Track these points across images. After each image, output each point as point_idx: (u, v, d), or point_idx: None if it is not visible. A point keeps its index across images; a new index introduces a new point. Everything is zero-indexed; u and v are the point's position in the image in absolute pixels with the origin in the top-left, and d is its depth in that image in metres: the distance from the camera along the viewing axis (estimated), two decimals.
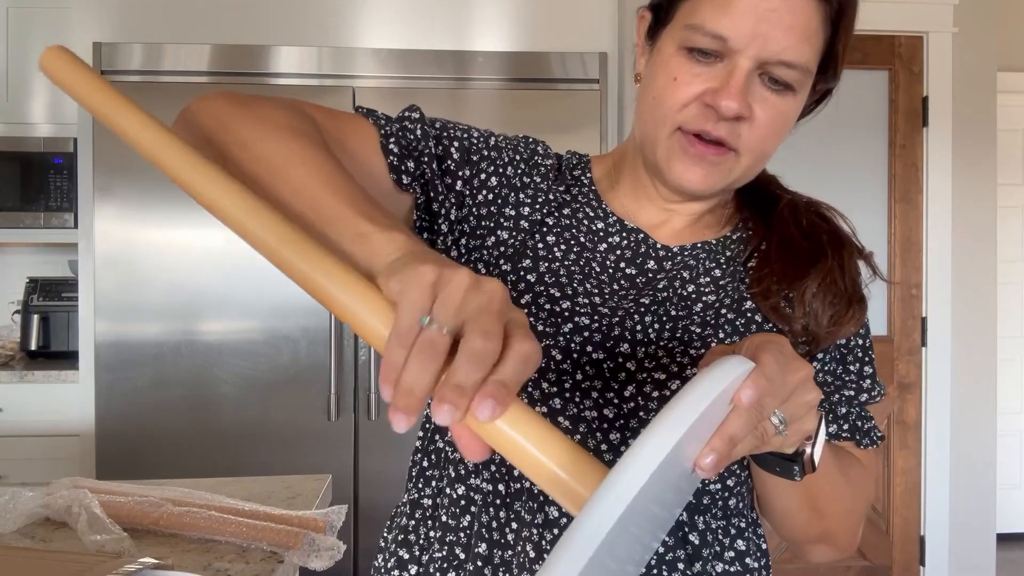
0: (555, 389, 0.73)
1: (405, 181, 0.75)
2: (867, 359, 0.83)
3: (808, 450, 0.60)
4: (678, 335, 0.75)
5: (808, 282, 0.77)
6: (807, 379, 0.54)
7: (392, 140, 0.75)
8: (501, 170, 0.80)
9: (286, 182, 0.57)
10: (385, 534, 0.84)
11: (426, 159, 0.77)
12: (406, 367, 0.42)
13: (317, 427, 2.44)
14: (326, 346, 2.42)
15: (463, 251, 0.80)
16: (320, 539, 1.05)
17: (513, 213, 0.79)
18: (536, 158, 0.83)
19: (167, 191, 2.40)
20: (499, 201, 0.79)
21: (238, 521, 1.05)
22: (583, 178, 0.85)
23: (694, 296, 0.78)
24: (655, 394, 0.72)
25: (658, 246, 0.81)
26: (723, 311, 0.78)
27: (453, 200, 0.78)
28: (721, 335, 0.76)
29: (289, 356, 2.43)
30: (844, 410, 0.82)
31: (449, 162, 0.78)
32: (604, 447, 0.72)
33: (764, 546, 0.82)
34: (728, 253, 0.82)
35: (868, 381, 0.83)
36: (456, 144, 0.79)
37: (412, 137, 0.77)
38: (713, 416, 0.47)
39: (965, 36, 2.99)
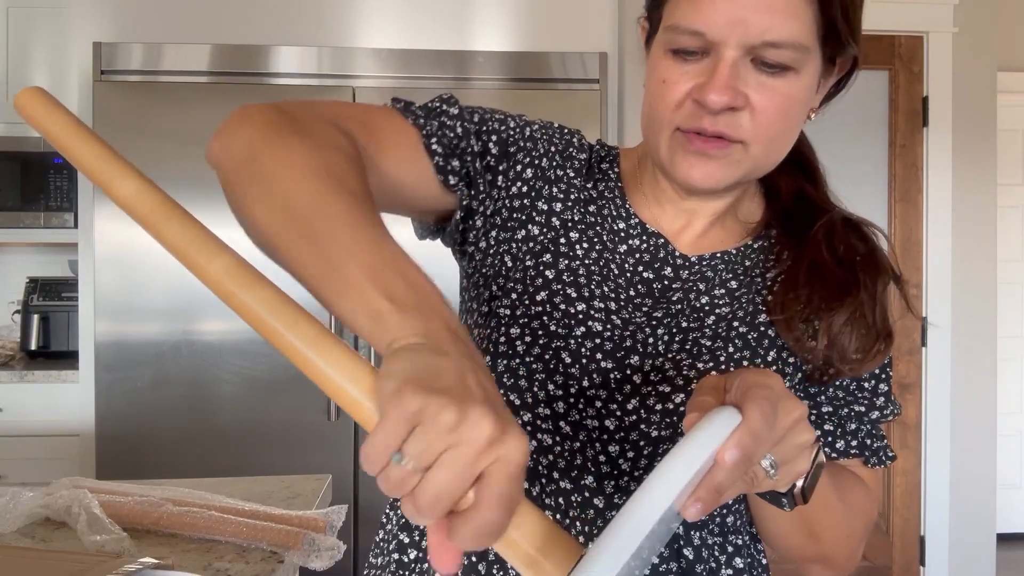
0: (560, 392, 0.72)
1: (452, 181, 0.74)
2: (884, 375, 0.80)
3: (799, 484, 0.59)
4: (687, 347, 0.75)
5: (836, 315, 0.74)
6: (800, 420, 0.55)
7: (435, 140, 0.74)
8: (536, 162, 0.79)
9: (307, 239, 0.54)
10: (388, 511, 0.84)
11: (469, 157, 0.75)
12: (378, 480, 0.41)
13: (317, 427, 2.44)
14: None
15: (492, 243, 0.78)
16: (320, 539, 1.05)
17: (545, 208, 0.78)
18: (571, 150, 0.82)
19: (167, 191, 2.39)
20: (532, 194, 0.78)
21: (238, 521, 1.05)
22: (611, 172, 0.84)
23: (707, 308, 0.77)
24: (658, 407, 0.72)
25: (676, 254, 0.80)
26: (735, 324, 0.76)
27: (491, 195, 0.77)
28: (731, 349, 0.75)
29: None
30: (854, 426, 0.79)
31: (489, 158, 0.77)
32: (602, 458, 0.72)
33: (764, 561, 0.81)
34: (747, 263, 0.80)
35: (882, 399, 0.80)
36: (495, 138, 0.77)
37: (453, 135, 0.75)
38: (702, 467, 0.48)
39: (965, 36, 2.99)
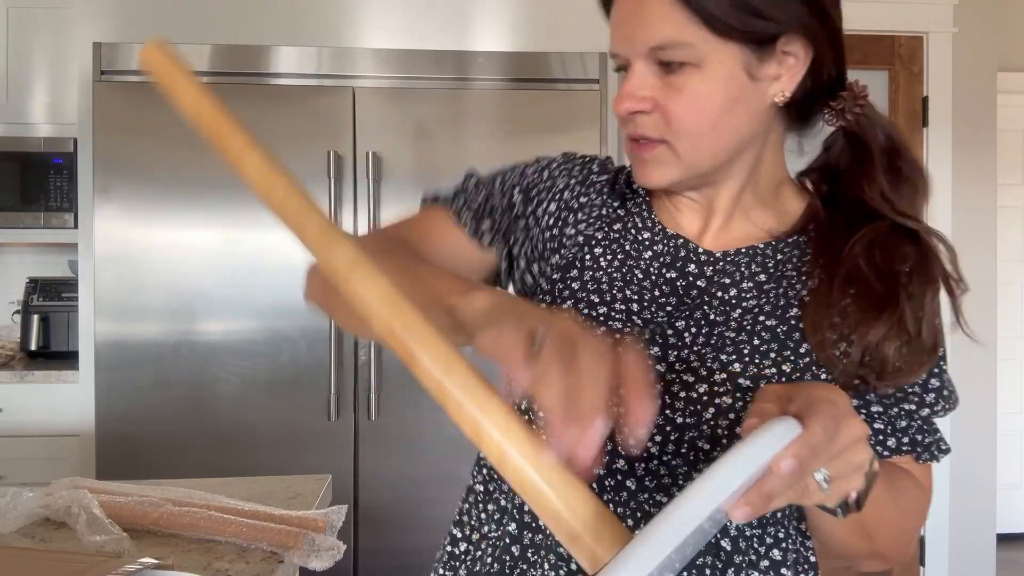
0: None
1: (487, 240, 0.87)
2: (936, 370, 0.80)
3: (853, 495, 0.58)
4: (712, 341, 0.76)
5: (872, 332, 0.73)
6: (859, 440, 0.54)
7: (464, 211, 0.87)
8: (558, 196, 0.87)
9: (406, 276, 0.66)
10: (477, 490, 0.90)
11: (497, 214, 0.87)
12: (553, 389, 0.46)
13: (317, 427, 2.44)
14: (326, 346, 2.42)
15: (534, 274, 0.87)
16: (320, 539, 1.05)
17: (572, 232, 0.85)
18: (591, 176, 0.88)
19: (167, 191, 2.40)
20: (559, 223, 0.86)
21: (238, 521, 1.05)
22: (640, 188, 0.87)
23: (734, 301, 0.78)
24: (682, 394, 0.74)
25: (699, 251, 0.82)
26: (762, 317, 0.77)
27: (528, 237, 0.87)
28: (756, 341, 0.75)
29: (289, 356, 2.43)
30: (904, 423, 0.78)
31: (516, 208, 0.88)
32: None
33: (813, 559, 0.79)
34: (780, 257, 0.80)
35: (932, 395, 0.79)
36: (516, 189, 0.88)
37: (478, 200, 0.88)
38: (755, 472, 0.48)
39: (965, 36, 2.99)
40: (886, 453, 0.78)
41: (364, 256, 0.54)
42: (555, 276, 0.84)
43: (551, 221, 0.86)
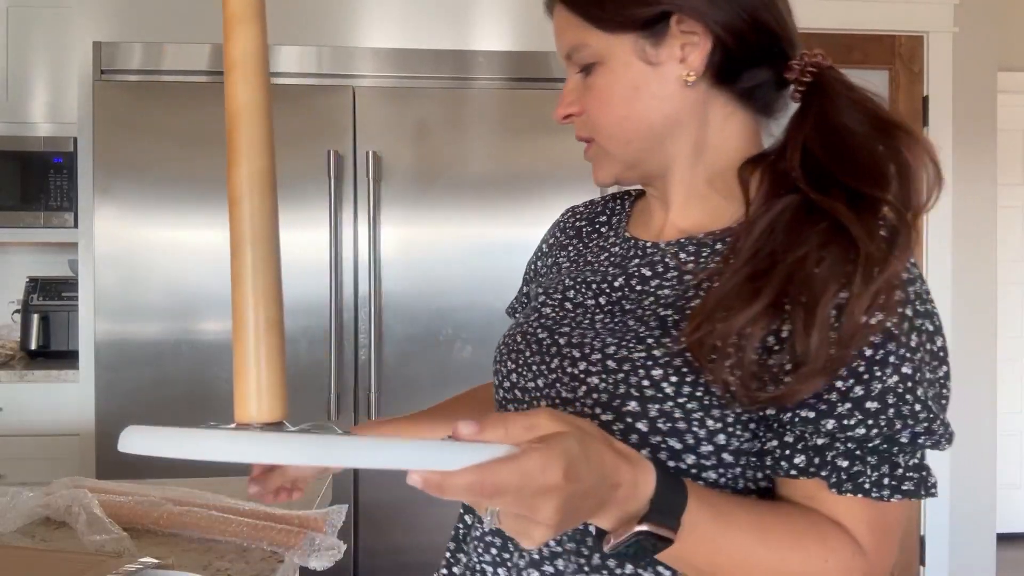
0: (511, 365, 0.83)
1: None
2: (871, 383, 0.64)
3: (612, 542, 0.58)
4: (611, 326, 0.77)
5: (731, 326, 0.64)
6: (552, 496, 0.52)
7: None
8: (541, 261, 0.98)
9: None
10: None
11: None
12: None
13: None
14: (326, 346, 2.42)
15: None
16: (320, 538, 1.05)
17: (551, 261, 0.96)
18: (560, 228, 0.97)
19: (167, 191, 2.40)
20: (551, 272, 0.94)
21: (238, 520, 1.05)
22: (619, 207, 0.93)
23: (651, 289, 0.77)
24: (570, 370, 0.76)
25: (646, 246, 0.82)
26: (660, 304, 0.74)
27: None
28: (642, 328, 0.73)
29: (289, 356, 2.41)
30: (823, 441, 0.65)
31: (531, 285, 0.99)
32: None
33: None
34: (719, 246, 0.75)
35: (852, 409, 0.64)
36: (526, 288, 1.00)
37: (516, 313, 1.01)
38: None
39: (965, 36, 2.99)
40: (792, 473, 0.66)
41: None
42: (537, 290, 0.91)
43: (533, 270, 0.98)
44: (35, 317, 2.96)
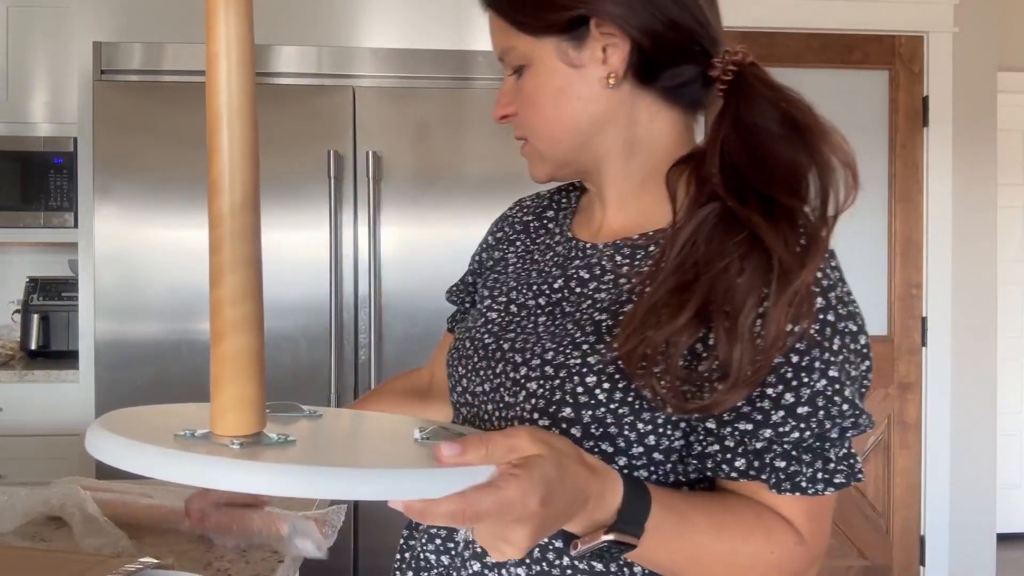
0: (461, 370, 0.85)
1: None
2: (799, 388, 0.67)
3: (579, 548, 0.62)
4: (552, 329, 0.78)
5: (658, 336, 0.66)
6: (525, 523, 0.56)
7: (451, 322, 1.04)
8: (487, 254, 0.97)
9: None
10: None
11: (468, 303, 1.00)
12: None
13: None
14: (326, 346, 2.42)
15: None
16: (303, 524, 1.03)
17: (498, 255, 0.95)
18: (507, 221, 0.97)
19: (167, 191, 2.40)
20: (498, 267, 0.94)
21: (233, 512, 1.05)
22: (565, 202, 0.93)
23: (589, 292, 0.79)
24: (512, 375, 0.77)
25: (586, 247, 0.83)
26: (596, 309, 0.76)
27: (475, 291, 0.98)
28: (579, 333, 0.75)
29: (289, 356, 2.43)
30: (760, 445, 0.68)
31: (476, 279, 0.99)
32: (484, 415, 0.81)
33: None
34: (652, 248, 0.77)
35: (786, 415, 0.67)
36: (471, 278, 1.00)
37: (455, 303, 1.02)
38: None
39: (965, 36, 2.99)
40: (733, 475, 0.69)
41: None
42: (480, 287, 0.93)
43: (479, 263, 0.98)
44: (35, 317, 2.96)
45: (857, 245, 2.99)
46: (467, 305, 1.00)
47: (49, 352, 2.96)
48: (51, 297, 2.99)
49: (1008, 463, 3.82)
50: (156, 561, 0.87)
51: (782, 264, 0.65)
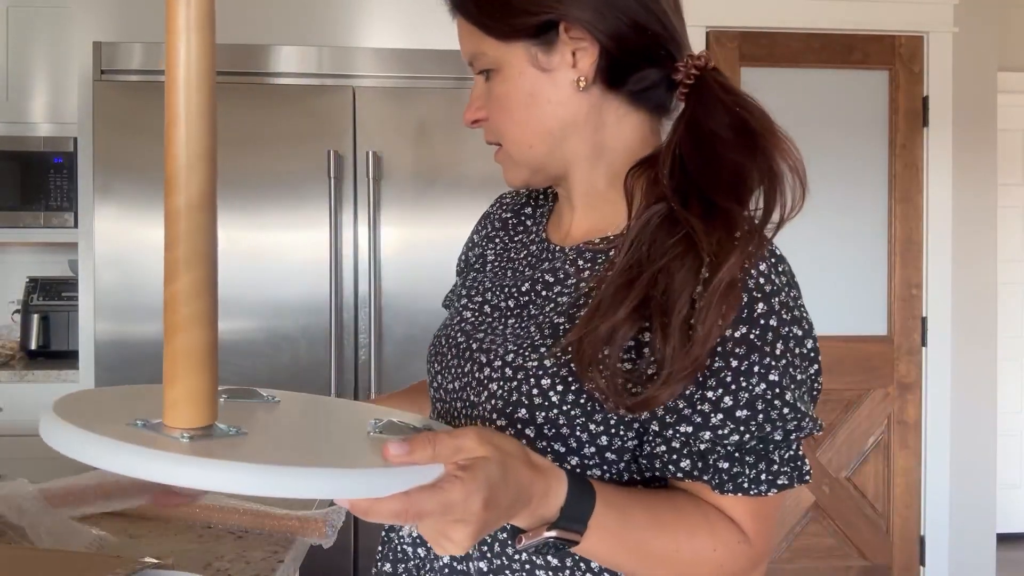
0: (437, 367, 0.87)
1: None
2: (739, 393, 0.68)
3: (523, 542, 0.64)
4: (516, 331, 0.80)
5: (599, 332, 0.68)
6: (465, 524, 0.58)
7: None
8: (473, 252, 0.98)
9: None
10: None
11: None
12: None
13: None
14: (326, 346, 2.42)
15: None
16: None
17: (479, 251, 0.96)
18: (489, 219, 0.98)
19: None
20: (477, 264, 0.95)
21: (240, 511, 1.05)
22: (551, 197, 0.93)
23: (552, 295, 0.81)
24: (478, 374, 0.79)
25: (553, 247, 0.85)
26: (556, 312, 0.78)
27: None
28: (538, 335, 0.77)
29: (289, 356, 2.43)
30: (704, 447, 0.70)
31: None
32: (454, 412, 0.84)
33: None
34: (611, 252, 0.78)
35: (723, 418, 0.68)
36: (459, 276, 0.99)
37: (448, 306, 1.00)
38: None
39: (965, 36, 2.99)
40: (679, 476, 0.71)
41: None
42: (460, 290, 0.93)
43: (476, 265, 0.96)
44: (35, 317, 2.96)
45: (857, 245, 2.99)
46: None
47: (49, 352, 2.96)
48: (51, 297, 2.99)
49: (1008, 463, 3.82)
50: (156, 561, 0.87)
51: (712, 262, 0.67)
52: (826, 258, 2.97)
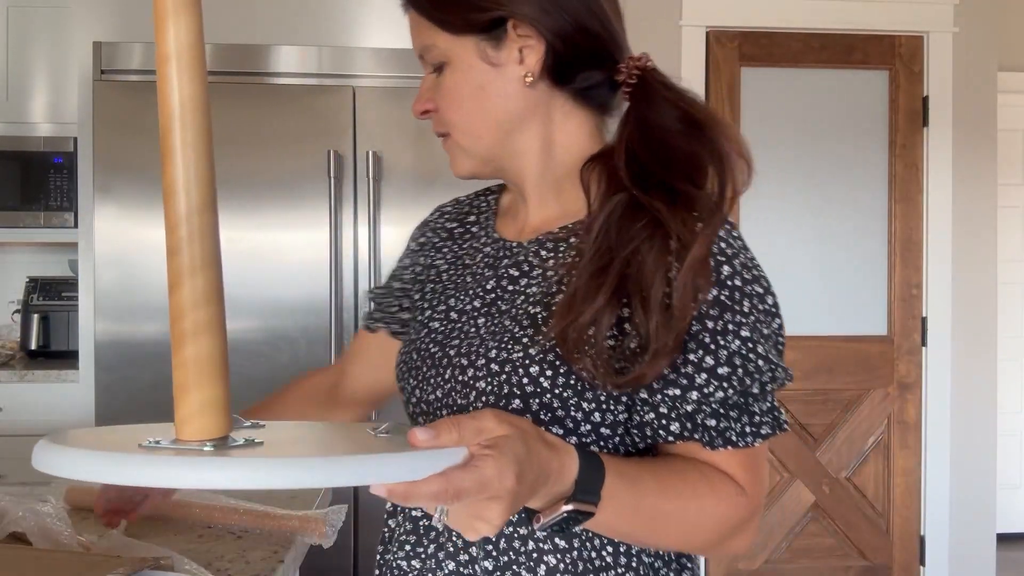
0: (413, 382, 0.87)
1: (405, 317, 0.97)
2: (714, 349, 0.73)
3: (541, 521, 0.66)
4: (491, 328, 0.82)
5: (582, 319, 0.71)
6: (499, 501, 0.59)
7: (371, 321, 1.04)
8: (411, 259, 0.99)
9: None
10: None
11: (395, 307, 1.00)
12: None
13: None
14: (326, 346, 2.42)
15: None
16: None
17: (424, 260, 0.96)
18: (429, 226, 0.99)
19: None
20: (431, 276, 0.95)
21: (241, 510, 1.05)
22: (485, 205, 0.95)
23: (521, 288, 0.82)
24: (461, 378, 0.80)
25: (512, 245, 0.87)
26: (529, 303, 0.80)
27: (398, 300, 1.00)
28: (516, 328, 0.79)
29: (289, 356, 2.43)
30: (691, 408, 0.73)
31: (405, 285, 1.00)
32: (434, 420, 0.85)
33: (599, 563, 0.77)
34: (573, 240, 0.81)
35: (708, 376, 0.72)
36: (399, 274, 1.01)
37: (379, 305, 1.03)
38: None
39: (965, 36, 2.99)
40: (670, 439, 0.74)
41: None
42: (415, 295, 0.95)
43: (406, 269, 0.98)
44: (35, 317, 2.96)
45: (857, 245, 2.99)
46: (392, 309, 1.00)
47: (49, 352, 2.96)
48: (51, 297, 2.99)
49: (1008, 463, 3.82)
50: (155, 561, 0.87)
51: (681, 240, 0.72)
52: (826, 258, 2.97)
